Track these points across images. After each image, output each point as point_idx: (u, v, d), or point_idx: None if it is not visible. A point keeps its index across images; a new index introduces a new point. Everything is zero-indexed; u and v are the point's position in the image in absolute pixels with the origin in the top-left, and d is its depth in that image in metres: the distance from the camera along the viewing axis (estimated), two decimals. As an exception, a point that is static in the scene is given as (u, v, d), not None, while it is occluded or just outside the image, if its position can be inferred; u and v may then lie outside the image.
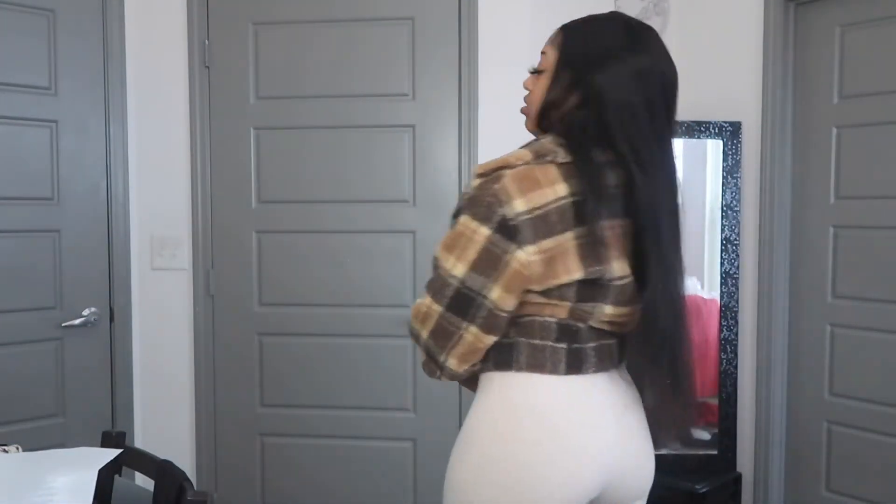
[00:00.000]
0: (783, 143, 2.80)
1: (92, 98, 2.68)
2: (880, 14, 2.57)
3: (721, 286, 2.88)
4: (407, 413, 2.77)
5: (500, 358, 1.32)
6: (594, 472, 1.28)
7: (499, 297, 1.25)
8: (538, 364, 1.30)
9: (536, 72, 1.40)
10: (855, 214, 2.67)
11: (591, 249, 1.25)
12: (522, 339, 1.31)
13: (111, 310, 2.73)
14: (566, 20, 1.39)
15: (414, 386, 2.73)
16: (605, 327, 1.33)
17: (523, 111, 1.42)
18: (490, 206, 1.24)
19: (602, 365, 1.33)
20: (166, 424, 2.83)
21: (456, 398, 2.70)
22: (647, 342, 1.31)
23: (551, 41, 1.39)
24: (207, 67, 2.77)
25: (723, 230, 2.87)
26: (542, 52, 1.39)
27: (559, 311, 1.29)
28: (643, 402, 1.40)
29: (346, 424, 2.78)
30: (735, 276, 2.87)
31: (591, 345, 1.32)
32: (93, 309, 2.68)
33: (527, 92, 1.41)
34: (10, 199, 2.54)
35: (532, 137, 1.38)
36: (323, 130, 2.75)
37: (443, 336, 1.29)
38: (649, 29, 1.37)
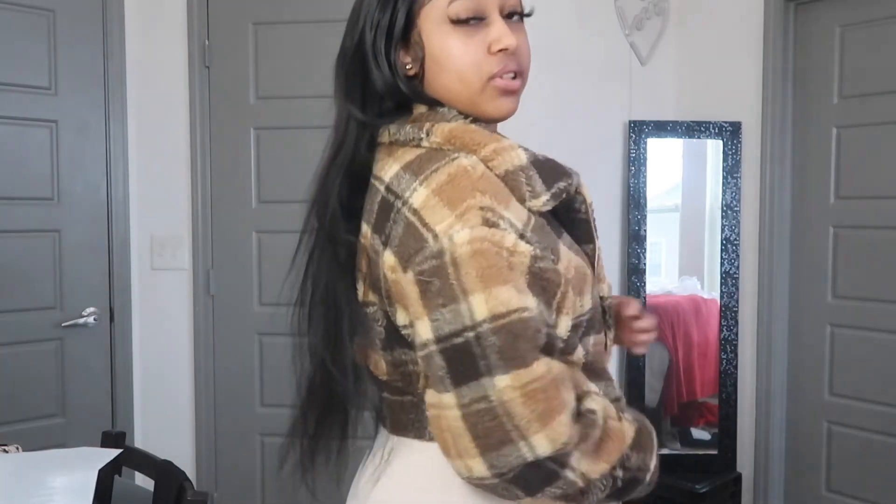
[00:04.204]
0: (783, 143, 2.80)
1: (92, 98, 2.68)
2: (880, 14, 2.57)
3: (721, 286, 2.88)
4: (407, 413, 2.77)
5: None
6: None
7: None
8: None
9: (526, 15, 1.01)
10: (855, 214, 2.67)
11: None
12: None
13: (111, 310, 2.73)
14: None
15: (414, 386, 2.73)
16: None
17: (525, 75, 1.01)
18: None
19: None
20: (166, 424, 2.82)
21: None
22: None
23: None
24: (207, 67, 2.76)
25: (723, 230, 2.87)
26: None
27: None
28: None
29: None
30: (735, 276, 2.87)
31: None
32: (93, 309, 2.68)
33: (516, 44, 0.96)
34: (11, 199, 2.54)
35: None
36: (323, 130, 2.72)
37: None
38: None
